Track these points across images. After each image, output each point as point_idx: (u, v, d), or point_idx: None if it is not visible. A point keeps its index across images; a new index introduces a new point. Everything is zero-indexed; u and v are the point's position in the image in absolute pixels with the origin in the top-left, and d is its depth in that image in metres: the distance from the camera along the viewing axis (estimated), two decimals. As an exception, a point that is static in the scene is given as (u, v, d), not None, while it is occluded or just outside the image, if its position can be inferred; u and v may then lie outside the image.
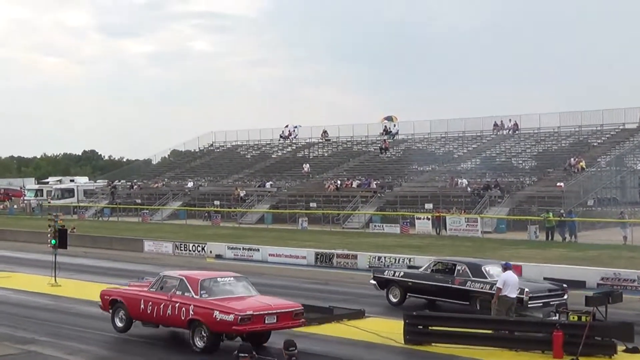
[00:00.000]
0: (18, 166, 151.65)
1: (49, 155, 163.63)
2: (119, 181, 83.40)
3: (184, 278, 19.34)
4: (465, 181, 58.50)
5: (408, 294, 25.37)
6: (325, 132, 78.73)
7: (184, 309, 18.62)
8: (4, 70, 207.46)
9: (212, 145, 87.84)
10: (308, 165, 72.09)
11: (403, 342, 19.34)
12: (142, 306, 19.78)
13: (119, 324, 20.58)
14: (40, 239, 38.29)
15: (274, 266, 37.12)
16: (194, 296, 18.64)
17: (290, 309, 18.84)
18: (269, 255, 39.33)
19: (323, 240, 46.21)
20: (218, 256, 40.89)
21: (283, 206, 64.10)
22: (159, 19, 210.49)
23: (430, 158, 67.73)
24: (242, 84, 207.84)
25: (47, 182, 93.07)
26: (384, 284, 26.11)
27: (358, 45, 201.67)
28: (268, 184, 68.77)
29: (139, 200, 73.92)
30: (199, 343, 18.37)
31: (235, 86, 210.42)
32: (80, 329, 21.66)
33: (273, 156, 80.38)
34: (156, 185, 77.54)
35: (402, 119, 77.84)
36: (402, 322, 19.60)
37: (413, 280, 25.14)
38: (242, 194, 66.61)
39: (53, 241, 30.68)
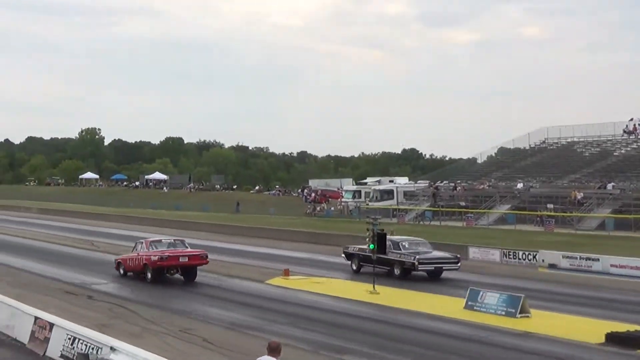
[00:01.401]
0: (335, 166, 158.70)
1: (367, 154, 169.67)
2: (441, 182, 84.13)
3: (143, 241, 34.90)
4: None
5: (361, 263, 36.70)
6: (679, 125, 74.52)
7: (141, 258, 33.79)
8: (320, 67, 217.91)
9: (544, 142, 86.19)
10: (658, 163, 68.61)
11: None
12: (128, 263, 35.06)
13: (121, 272, 35.42)
14: (358, 243, 39.23)
15: (616, 279, 35.98)
16: (146, 250, 33.82)
17: (197, 254, 33.68)
18: (611, 265, 38.30)
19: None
20: (552, 265, 40.21)
21: (627, 210, 61.35)
22: (483, 5, 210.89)
23: None
24: (579, 72, 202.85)
25: (365, 183, 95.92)
26: (349, 256, 38.17)
27: None
28: (610, 185, 66.22)
29: (462, 203, 73.79)
30: (149, 276, 33.39)
31: (571, 75, 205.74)
32: (399, 341, 21.81)
33: (615, 154, 77.40)
34: (482, 186, 77.35)
35: None
36: None
37: (363, 253, 35.85)
38: (579, 197, 64.72)
39: (372, 245, 31.53)
